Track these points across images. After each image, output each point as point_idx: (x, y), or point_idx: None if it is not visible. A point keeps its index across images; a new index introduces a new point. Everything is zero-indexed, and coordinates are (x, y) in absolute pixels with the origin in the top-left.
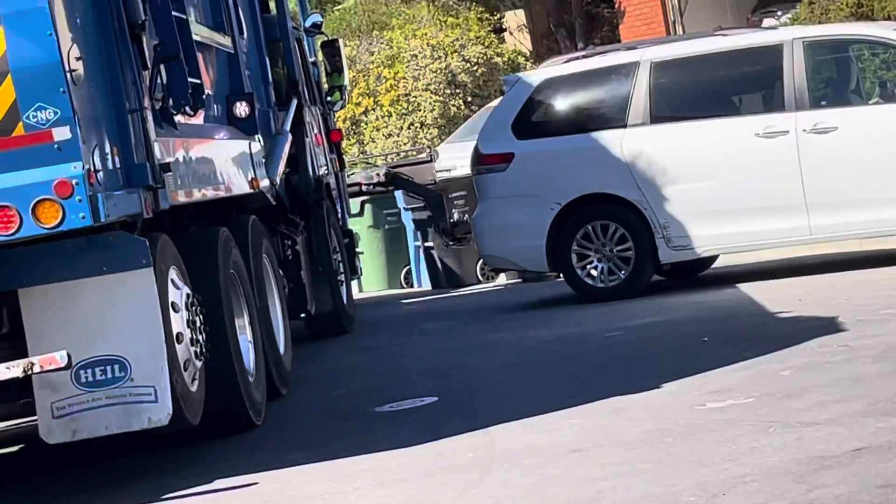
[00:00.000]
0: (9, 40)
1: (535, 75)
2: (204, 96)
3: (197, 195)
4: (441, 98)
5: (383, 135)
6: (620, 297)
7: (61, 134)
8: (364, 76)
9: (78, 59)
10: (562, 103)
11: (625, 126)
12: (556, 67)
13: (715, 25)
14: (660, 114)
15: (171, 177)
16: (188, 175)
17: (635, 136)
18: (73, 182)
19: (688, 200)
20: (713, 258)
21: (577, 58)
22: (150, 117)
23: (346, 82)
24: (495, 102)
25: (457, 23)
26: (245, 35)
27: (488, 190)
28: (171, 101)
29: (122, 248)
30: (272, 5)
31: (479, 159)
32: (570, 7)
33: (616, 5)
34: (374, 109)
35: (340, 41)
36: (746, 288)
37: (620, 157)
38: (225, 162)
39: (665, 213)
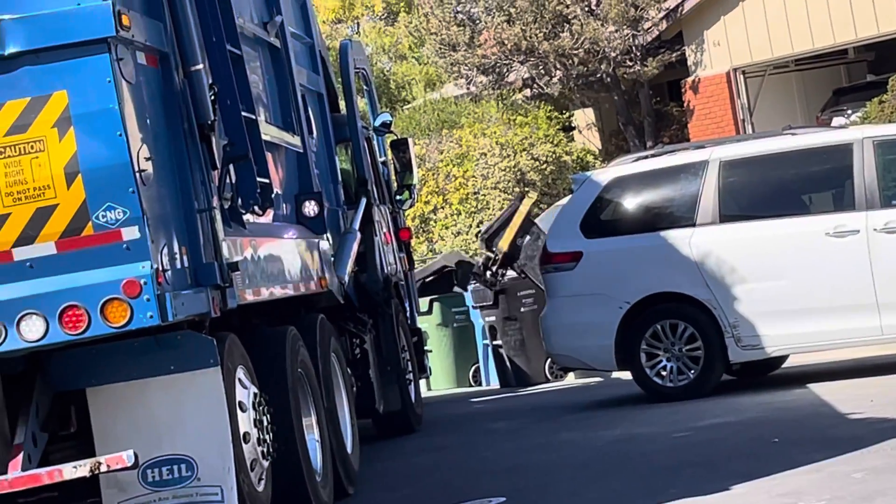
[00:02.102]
0: (79, 141)
1: (604, 174)
2: (273, 195)
3: (265, 294)
4: (510, 196)
5: (452, 233)
6: (690, 397)
7: (130, 234)
8: (433, 174)
9: (147, 159)
10: (630, 202)
11: (694, 225)
12: (624, 166)
13: (784, 124)
14: (729, 213)
15: (240, 276)
16: (256, 274)
17: (704, 235)
18: (142, 282)
19: (758, 300)
20: (784, 358)
21: (645, 156)
22: (218, 217)
23: (416, 181)
24: (564, 201)
25: (525, 121)
26: (315, 134)
27: (557, 288)
28: (239, 201)
29: (189, 347)
30: (342, 105)
31: (547, 258)
32: (640, 106)
33: (685, 104)
34: (443, 207)
35: (410, 140)
36: (817, 388)
37: (689, 256)
38: (293, 261)
39: (735, 312)
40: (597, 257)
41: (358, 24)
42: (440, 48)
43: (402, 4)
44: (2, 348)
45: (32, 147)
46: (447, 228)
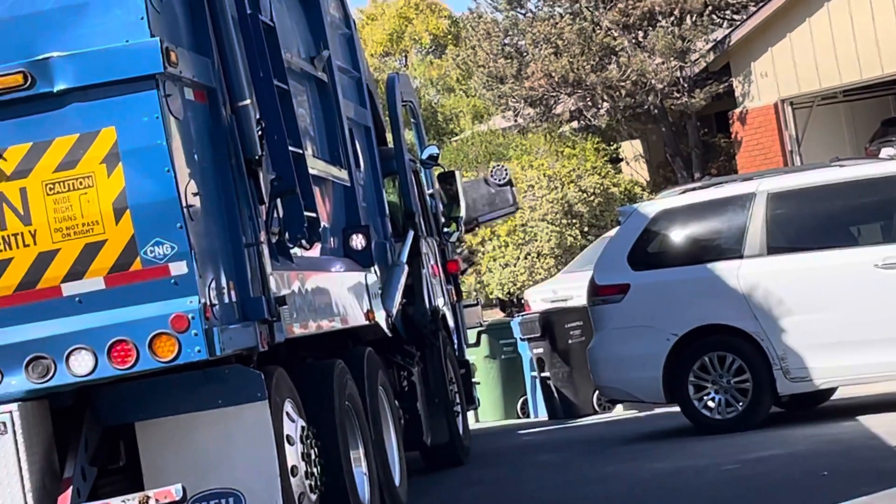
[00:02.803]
0: (127, 176)
1: (651, 206)
2: (320, 229)
3: (312, 328)
4: (558, 228)
5: (500, 265)
6: (738, 429)
7: (178, 269)
8: None
9: (195, 194)
10: (677, 234)
11: (741, 257)
12: (671, 198)
13: (832, 155)
14: (776, 245)
15: (287, 310)
16: (304, 307)
17: (752, 267)
18: (189, 316)
19: (806, 332)
20: (832, 390)
21: (692, 188)
22: (266, 251)
23: (463, 213)
24: (612, 232)
25: (573, 153)
26: (362, 168)
27: (604, 321)
28: (287, 235)
29: (237, 381)
30: (389, 138)
31: (594, 290)
32: (687, 137)
33: (733, 135)
34: (490, 239)
35: (457, 173)
36: (867, 420)
37: (737, 288)
38: (340, 294)
39: (783, 344)
40: (644, 289)
41: (406, 56)
42: (488, 81)
43: (449, 37)
44: (51, 383)
45: (81, 183)
46: (495, 260)
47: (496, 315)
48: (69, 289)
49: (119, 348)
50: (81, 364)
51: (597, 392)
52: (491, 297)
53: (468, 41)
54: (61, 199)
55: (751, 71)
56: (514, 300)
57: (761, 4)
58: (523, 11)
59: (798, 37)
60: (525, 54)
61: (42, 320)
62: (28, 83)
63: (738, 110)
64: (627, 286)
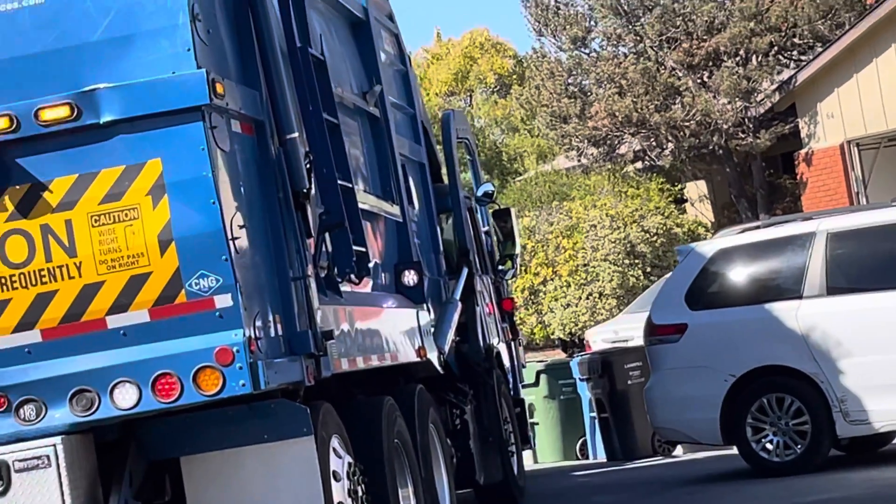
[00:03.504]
0: (173, 209)
1: (709, 246)
2: (369, 264)
3: (361, 363)
4: (620, 268)
5: (561, 305)
6: (796, 472)
7: (223, 301)
8: (543, 246)
9: (241, 226)
10: (736, 274)
11: (800, 297)
12: (729, 238)
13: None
14: (836, 285)
15: (335, 344)
16: (352, 343)
17: (811, 308)
18: (234, 349)
19: (866, 374)
20: (893, 433)
21: (751, 228)
22: (313, 285)
23: (518, 251)
24: None
25: (637, 193)
26: (416, 204)
27: (661, 361)
28: (335, 270)
29: (283, 416)
30: (444, 174)
31: (652, 330)
32: (752, 178)
33: (798, 176)
34: (552, 279)
35: (513, 210)
36: None
37: (796, 329)
38: (391, 330)
39: (842, 386)
40: (702, 329)
41: (471, 96)
42: (551, 120)
43: (514, 77)
44: (95, 416)
45: (126, 215)
46: (556, 300)
47: (557, 355)
48: (114, 321)
49: (163, 382)
50: (125, 397)
51: (655, 433)
52: (552, 337)
53: (532, 80)
54: (106, 231)
55: (817, 111)
56: (576, 340)
57: (828, 45)
58: (587, 51)
59: (865, 77)
60: (589, 94)
61: (86, 353)
62: (75, 115)
63: (803, 151)
64: (685, 326)
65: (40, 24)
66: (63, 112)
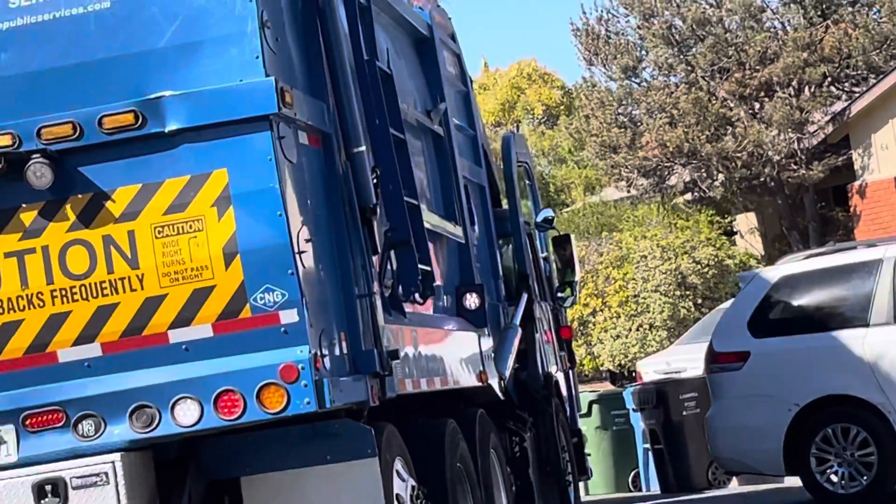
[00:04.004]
0: (238, 220)
1: (773, 272)
2: (434, 284)
3: (424, 385)
4: (671, 300)
5: (611, 336)
6: None
7: (288, 317)
8: (593, 277)
9: (307, 240)
10: (800, 301)
11: (867, 325)
12: (794, 264)
13: None
14: None
15: (399, 365)
16: (415, 364)
17: (879, 336)
18: (299, 367)
19: None
20: None
21: (816, 254)
22: (378, 303)
23: (578, 278)
24: (726, 304)
25: (686, 225)
26: (476, 227)
27: (723, 389)
28: (400, 288)
29: (347, 436)
30: (503, 200)
31: (713, 357)
32: (804, 210)
33: (851, 209)
34: (602, 310)
35: (572, 237)
36: None
37: (862, 358)
38: (453, 353)
39: None
40: (765, 357)
41: (518, 126)
42: (601, 150)
43: (562, 108)
44: (156, 433)
45: (191, 226)
46: (606, 331)
47: (606, 387)
48: (176, 336)
49: (226, 398)
50: (187, 414)
51: (712, 465)
52: (601, 368)
53: (581, 110)
54: (170, 243)
55: (871, 143)
56: (625, 372)
57: (883, 76)
58: (638, 81)
59: None
60: (639, 124)
61: (147, 368)
62: (139, 123)
63: (857, 183)
64: (748, 354)
65: (105, 29)
66: (127, 120)
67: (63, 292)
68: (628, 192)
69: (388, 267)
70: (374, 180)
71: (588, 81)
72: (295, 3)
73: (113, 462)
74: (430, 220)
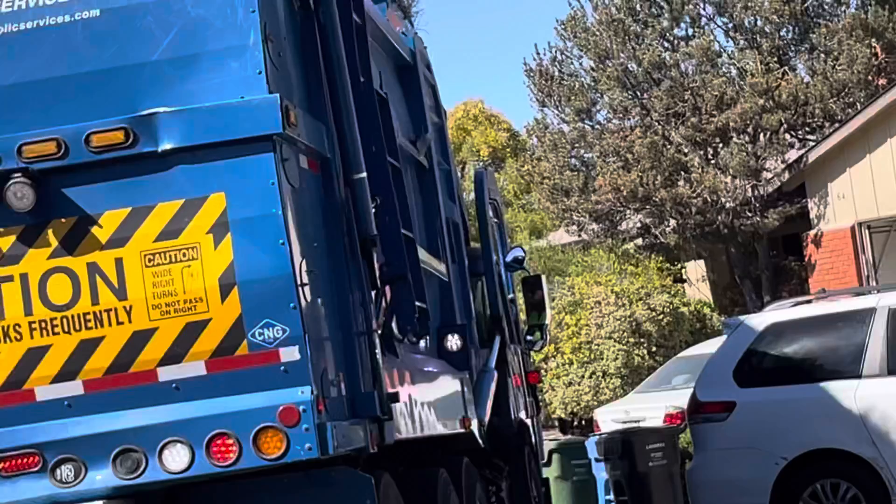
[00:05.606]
0: (237, 249)
1: (759, 319)
2: (429, 322)
3: (417, 431)
4: (625, 347)
5: (563, 383)
6: None
7: (289, 355)
8: None
9: (309, 272)
10: (788, 350)
11: (859, 377)
12: (781, 311)
13: None
14: None
15: (398, 408)
16: (407, 408)
17: (871, 388)
18: (301, 409)
19: None
20: None
21: (804, 301)
22: (377, 342)
23: (548, 321)
24: (686, 353)
25: (636, 271)
26: (457, 264)
27: (707, 441)
28: (395, 326)
29: (345, 485)
30: (471, 239)
31: (697, 407)
32: (756, 259)
33: (806, 258)
34: (554, 356)
35: (543, 277)
36: None
37: (853, 410)
38: (439, 397)
39: None
40: (751, 408)
41: (463, 168)
42: (552, 193)
43: (507, 150)
44: (141, 479)
45: (184, 255)
46: (558, 378)
47: (556, 435)
48: (166, 373)
49: (219, 443)
50: (176, 459)
51: None
52: (552, 416)
53: (533, 152)
54: (161, 272)
55: (827, 192)
56: (578, 421)
57: (841, 124)
58: (591, 123)
59: (878, 158)
60: (592, 167)
61: (134, 408)
62: (130, 141)
63: (812, 232)
64: (733, 404)
65: (94, 39)
66: (117, 137)
67: (43, 324)
68: (579, 236)
69: (383, 304)
70: (374, 209)
71: (540, 123)
72: (294, 18)
73: None
74: (420, 255)
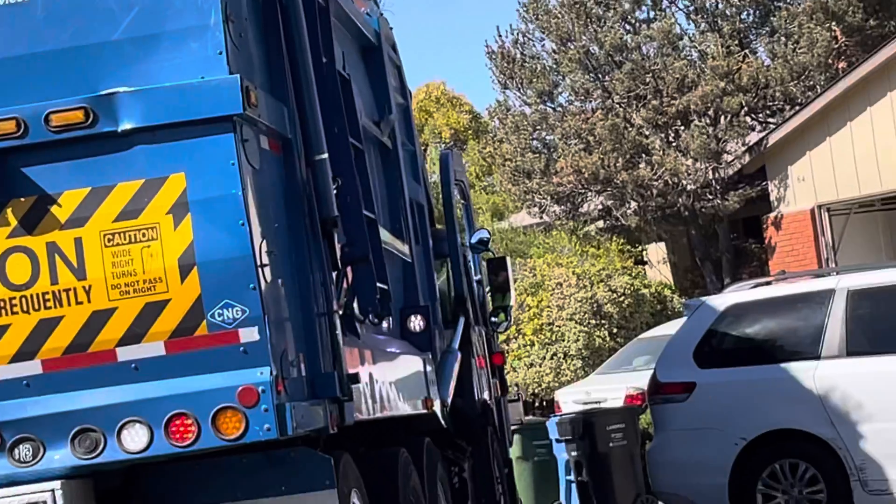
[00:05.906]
0: (197, 229)
1: (720, 300)
2: (390, 303)
3: (378, 411)
4: (586, 328)
5: (525, 364)
6: None
7: (249, 335)
8: None
9: (269, 252)
10: (749, 331)
11: (818, 358)
12: (742, 293)
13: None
14: (857, 346)
15: (358, 388)
16: (368, 389)
17: (829, 369)
18: (259, 389)
19: (888, 440)
20: None
21: (764, 283)
22: (338, 322)
23: (513, 303)
24: (647, 334)
25: (598, 253)
26: (421, 245)
27: (666, 421)
28: (356, 307)
29: (304, 466)
30: (436, 220)
31: (657, 388)
32: (717, 241)
33: (766, 240)
34: (516, 338)
35: (508, 259)
36: None
37: (813, 391)
38: (401, 378)
39: (861, 453)
40: (711, 389)
41: (425, 150)
42: (514, 175)
43: (469, 132)
44: (100, 459)
45: (144, 235)
46: (520, 359)
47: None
48: (125, 353)
49: (178, 423)
50: (135, 439)
51: (638, 497)
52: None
53: (495, 134)
54: (121, 252)
55: (787, 175)
56: (540, 401)
57: (801, 107)
58: (553, 105)
59: (838, 141)
60: (553, 150)
61: (92, 388)
62: (89, 121)
63: (772, 215)
64: (693, 385)
65: (54, 18)
66: (77, 117)
67: (1, 304)
68: (541, 218)
69: (344, 285)
70: (335, 190)
71: (502, 105)
72: None
73: (52, 490)
74: (382, 236)
